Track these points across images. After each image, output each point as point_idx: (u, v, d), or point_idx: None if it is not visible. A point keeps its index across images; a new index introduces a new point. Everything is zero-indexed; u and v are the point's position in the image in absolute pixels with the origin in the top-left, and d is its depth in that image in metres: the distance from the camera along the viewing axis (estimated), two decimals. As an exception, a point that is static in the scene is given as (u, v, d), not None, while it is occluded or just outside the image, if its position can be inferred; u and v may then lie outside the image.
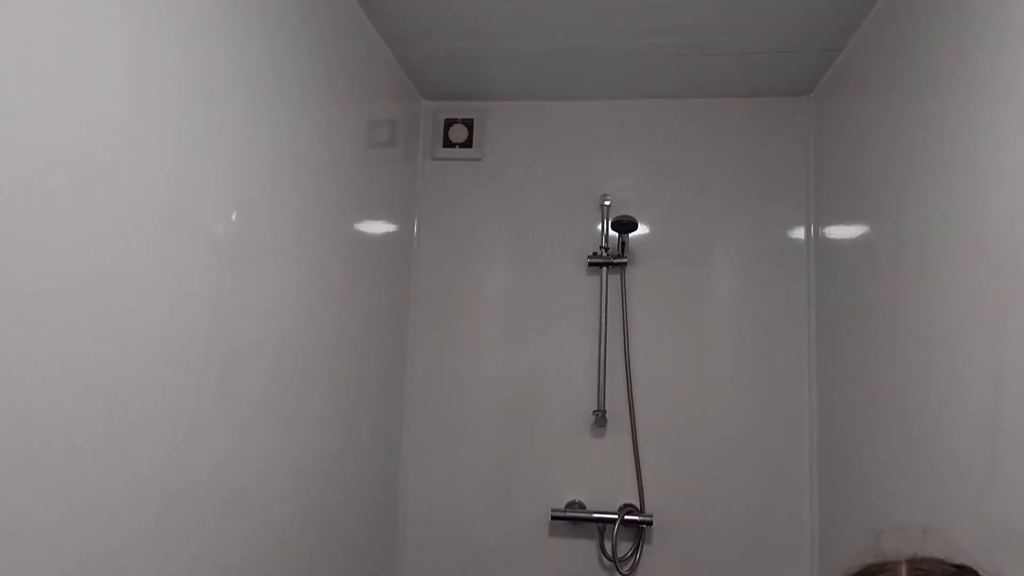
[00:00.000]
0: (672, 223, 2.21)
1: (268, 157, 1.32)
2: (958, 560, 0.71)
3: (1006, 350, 1.05)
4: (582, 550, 2.13)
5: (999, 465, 1.06)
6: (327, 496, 1.64)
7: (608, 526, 2.09)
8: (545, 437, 2.18)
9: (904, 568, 0.70)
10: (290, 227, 1.42)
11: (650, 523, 2.06)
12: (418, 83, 2.22)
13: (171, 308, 1.05)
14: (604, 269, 2.19)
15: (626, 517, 2.06)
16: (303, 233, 1.48)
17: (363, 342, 1.85)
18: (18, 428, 0.78)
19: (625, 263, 2.17)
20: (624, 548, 2.10)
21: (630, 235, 2.17)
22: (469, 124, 2.30)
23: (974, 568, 0.70)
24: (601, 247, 2.19)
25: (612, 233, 2.17)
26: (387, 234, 2.03)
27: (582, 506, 2.13)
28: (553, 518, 2.10)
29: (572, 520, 2.11)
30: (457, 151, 2.30)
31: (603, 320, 2.17)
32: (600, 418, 2.13)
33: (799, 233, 2.15)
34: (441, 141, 2.31)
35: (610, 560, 2.08)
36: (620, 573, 2.08)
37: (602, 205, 2.21)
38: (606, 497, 2.13)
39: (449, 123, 2.31)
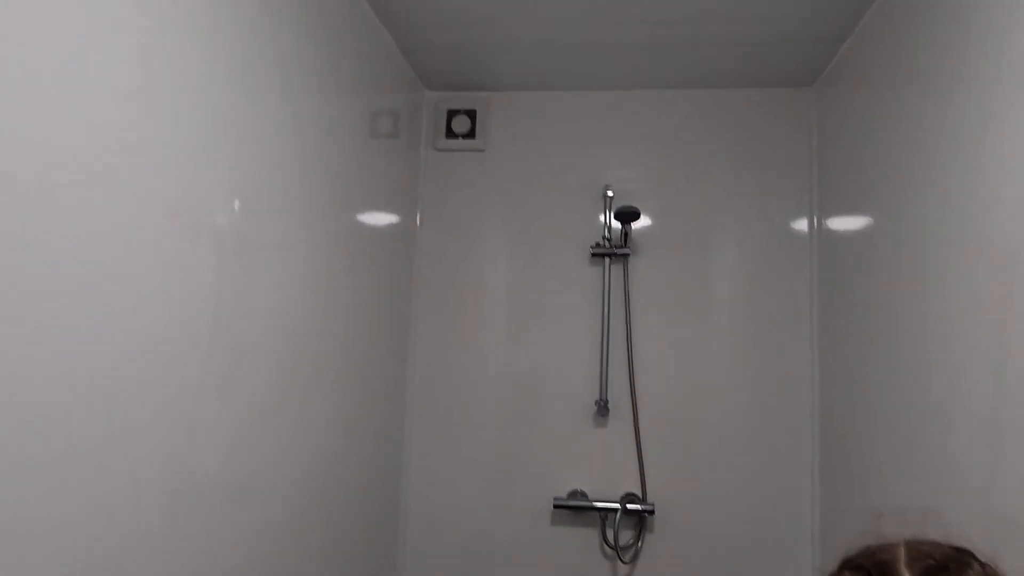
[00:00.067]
0: (675, 214, 2.21)
1: (270, 148, 1.33)
2: (956, 543, 0.72)
3: (1008, 342, 1.06)
4: (584, 539, 2.14)
5: (1000, 461, 1.07)
6: (330, 486, 1.64)
7: (610, 515, 2.10)
8: (547, 427, 2.19)
9: (903, 550, 0.71)
10: (292, 218, 1.43)
11: (652, 512, 2.07)
12: (421, 73, 2.21)
13: (174, 300, 1.05)
14: (607, 260, 2.19)
15: (628, 506, 2.07)
16: (305, 223, 1.48)
17: (365, 333, 1.85)
18: (19, 426, 0.78)
19: (628, 254, 2.17)
20: (626, 537, 2.12)
21: (633, 226, 2.17)
22: (472, 115, 2.30)
23: (972, 551, 0.71)
24: (604, 237, 2.19)
25: (615, 223, 2.17)
26: (389, 225, 2.04)
27: (584, 495, 2.14)
28: (555, 507, 2.11)
29: (574, 509, 2.12)
30: (460, 142, 2.30)
31: (606, 310, 2.17)
32: (602, 408, 2.14)
33: (802, 224, 2.15)
34: (444, 132, 2.31)
35: (612, 549, 2.09)
36: (622, 562, 2.09)
37: (605, 195, 2.21)
38: (608, 486, 2.14)
39: (452, 114, 2.31)
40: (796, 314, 2.12)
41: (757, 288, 2.15)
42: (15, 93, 0.77)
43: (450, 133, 2.31)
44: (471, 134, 2.30)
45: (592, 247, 2.19)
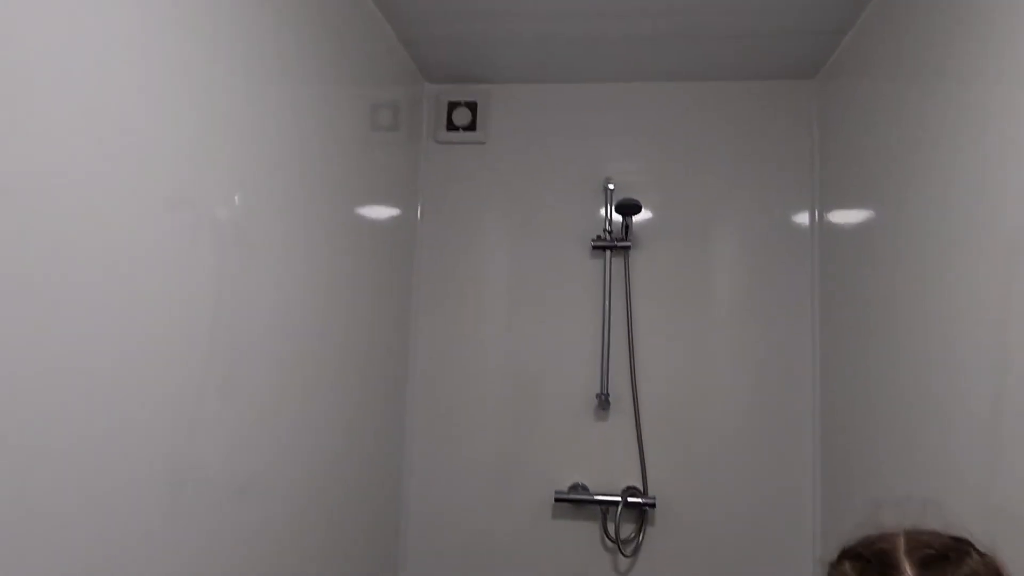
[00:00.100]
0: (676, 206, 2.21)
1: (270, 140, 1.32)
2: (955, 533, 0.72)
3: (1008, 338, 1.05)
4: (585, 532, 2.15)
5: (1000, 459, 1.06)
6: (330, 486, 1.64)
7: (611, 508, 2.10)
8: (548, 420, 2.19)
9: (902, 539, 0.71)
10: (292, 210, 1.42)
11: (653, 505, 2.08)
12: (421, 66, 2.20)
13: (175, 298, 1.04)
14: (608, 252, 2.19)
15: (629, 499, 2.07)
16: (305, 216, 1.48)
17: (365, 329, 1.85)
18: (19, 426, 0.78)
19: (629, 246, 2.17)
20: (627, 530, 2.12)
21: (634, 218, 2.17)
22: (472, 107, 2.29)
23: (971, 540, 0.71)
24: (605, 230, 2.19)
25: (616, 216, 2.17)
26: (390, 218, 2.03)
27: (585, 489, 2.14)
28: (556, 500, 2.11)
29: (575, 502, 2.13)
30: (460, 134, 2.29)
31: (607, 303, 2.17)
32: (603, 401, 2.14)
33: (803, 217, 2.15)
34: (444, 124, 2.30)
35: (613, 542, 2.09)
36: (623, 555, 2.10)
37: (606, 188, 2.20)
38: (609, 480, 2.14)
39: (452, 106, 2.30)
40: (797, 307, 2.11)
41: (758, 281, 2.15)
42: (15, 90, 0.76)
43: (451, 126, 2.30)
44: (472, 126, 2.29)
45: (593, 240, 2.19)
